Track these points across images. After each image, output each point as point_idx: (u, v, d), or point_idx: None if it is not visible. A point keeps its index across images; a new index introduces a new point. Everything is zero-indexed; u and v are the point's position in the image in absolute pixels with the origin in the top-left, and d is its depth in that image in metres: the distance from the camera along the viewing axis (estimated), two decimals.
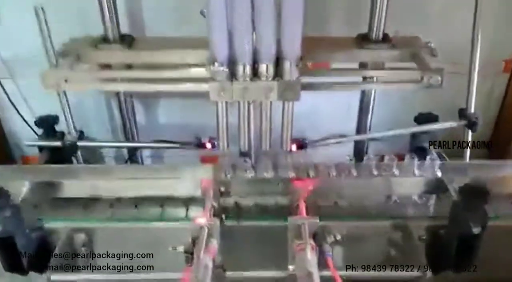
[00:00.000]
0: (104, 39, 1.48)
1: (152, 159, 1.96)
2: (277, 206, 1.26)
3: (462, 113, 1.49)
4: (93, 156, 1.84)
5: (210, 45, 1.21)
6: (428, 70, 1.35)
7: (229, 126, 1.36)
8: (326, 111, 1.79)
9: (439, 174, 1.23)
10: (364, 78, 1.56)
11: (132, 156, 1.84)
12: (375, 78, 1.53)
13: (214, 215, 1.14)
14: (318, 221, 1.06)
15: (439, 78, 1.31)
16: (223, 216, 1.21)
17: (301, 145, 1.54)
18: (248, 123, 1.37)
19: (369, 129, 1.69)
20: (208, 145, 1.57)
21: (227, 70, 1.24)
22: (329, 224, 1.10)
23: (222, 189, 1.23)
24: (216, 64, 1.24)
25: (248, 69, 1.24)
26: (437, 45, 1.41)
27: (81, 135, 1.58)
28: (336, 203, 1.30)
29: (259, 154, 1.41)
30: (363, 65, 1.55)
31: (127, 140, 1.78)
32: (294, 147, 1.50)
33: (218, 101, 1.33)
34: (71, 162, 1.57)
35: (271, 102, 1.31)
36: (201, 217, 1.06)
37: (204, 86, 1.29)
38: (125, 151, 1.88)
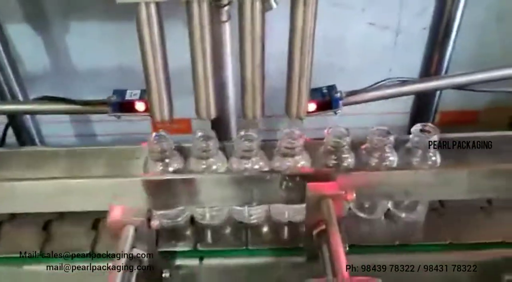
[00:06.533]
0: None
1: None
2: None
3: None
4: None
5: None
6: None
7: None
8: (362, 39, 0.99)
9: None
10: None
11: (18, 125, 1.02)
12: None
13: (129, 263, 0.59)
14: None
15: None
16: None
17: (326, 102, 0.77)
18: (211, 58, 0.60)
19: (446, 69, 0.95)
20: (140, 106, 0.77)
21: None
22: None
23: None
24: None
25: None
26: None
27: None
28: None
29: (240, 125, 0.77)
30: None
31: (2, 97, 0.97)
32: (313, 107, 0.78)
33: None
34: None
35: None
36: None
37: None
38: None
